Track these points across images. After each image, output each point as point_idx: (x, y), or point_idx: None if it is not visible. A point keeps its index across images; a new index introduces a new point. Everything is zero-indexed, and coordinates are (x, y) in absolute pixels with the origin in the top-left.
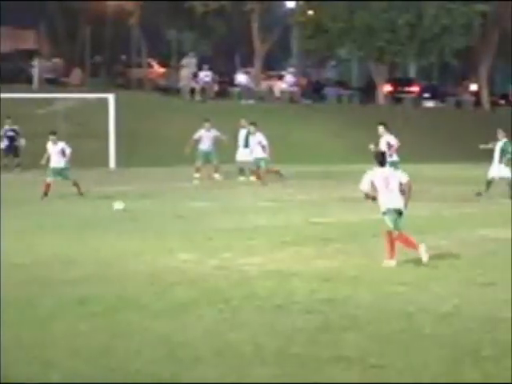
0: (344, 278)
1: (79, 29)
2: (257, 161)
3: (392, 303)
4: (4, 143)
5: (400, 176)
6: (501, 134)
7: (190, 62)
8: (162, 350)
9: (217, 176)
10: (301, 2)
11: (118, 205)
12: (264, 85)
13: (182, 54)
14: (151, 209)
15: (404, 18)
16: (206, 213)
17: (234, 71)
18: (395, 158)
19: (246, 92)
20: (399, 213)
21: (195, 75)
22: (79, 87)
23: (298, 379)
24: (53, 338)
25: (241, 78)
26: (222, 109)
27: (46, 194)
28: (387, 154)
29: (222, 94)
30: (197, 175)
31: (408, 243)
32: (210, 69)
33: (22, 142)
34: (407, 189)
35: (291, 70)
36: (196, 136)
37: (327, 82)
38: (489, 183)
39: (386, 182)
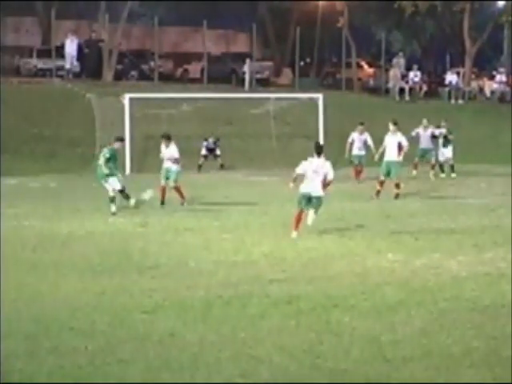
0: None
1: (289, 30)
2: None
3: None
4: (204, 152)
5: (328, 171)
6: None
7: (399, 62)
8: (370, 350)
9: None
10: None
11: (146, 194)
12: (474, 84)
13: (391, 54)
14: (358, 209)
15: None
16: (414, 212)
17: (443, 71)
18: (401, 159)
19: (456, 92)
20: (312, 198)
21: (404, 75)
22: (289, 88)
23: (509, 382)
24: (262, 335)
25: (451, 77)
26: (431, 109)
27: (161, 202)
28: (397, 154)
29: (432, 93)
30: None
31: (297, 221)
32: (419, 69)
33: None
34: (328, 183)
35: (502, 69)
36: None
37: None
38: None
39: (315, 172)
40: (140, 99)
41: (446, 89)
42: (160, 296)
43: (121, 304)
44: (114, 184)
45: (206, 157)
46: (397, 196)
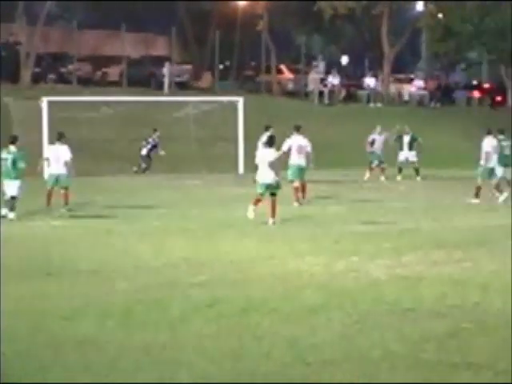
0: (473, 284)
1: (208, 34)
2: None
3: None
4: (144, 151)
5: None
6: None
7: (318, 66)
8: (290, 353)
9: (382, 178)
10: (430, 5)
11: None
12: (393, 88)
13: (310, 58)
14: (279, 212)
15: None
16: (335, 215)
17: (362, 75)
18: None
19: (375, 95)
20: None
21: (324, 79)
22: (209, 91)
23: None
24: (182, 339)
25: (369, 81)
26: (350, 112)
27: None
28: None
29: (351, 97)
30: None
31: (255, 202)
32: (339, 72)
33: (161, 152)
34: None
35: (420, 73)
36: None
37: (456, 86)
38: None
39: (262, 161)
40: (58, 102)
41: (365, 92)
42: (80, 301)
43: (40, 309)
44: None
45: (149, 157)
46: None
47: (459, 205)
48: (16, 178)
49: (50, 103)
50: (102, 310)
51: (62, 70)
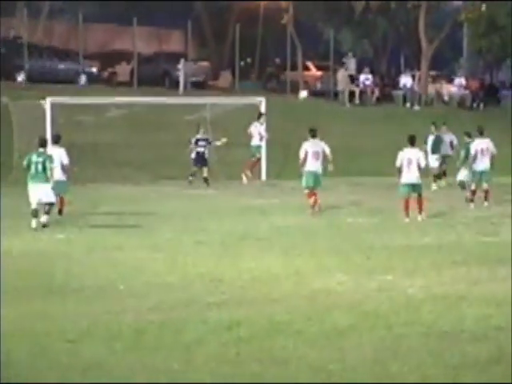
0: None
1: (228, 29)
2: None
3: None
4: (194, 154)
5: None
6: None
7: (348, 64)
8: (317, 380)
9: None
10: None
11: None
12: (431, 88)
13: (340, 55)
14: (304, 224)
15: None
16: (365, 228)
17: (397, 73)
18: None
19: (411, 96)
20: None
21: (354, 78)
22: (228, 91)
23: None
24: (198, 364)
25: (405, 80)
26: (384, 115)
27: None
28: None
29: (385, 98)
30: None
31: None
32: (371, 71)
33: (219, 142)
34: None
35: (461, 71)
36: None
37: (502, 85)
38: None
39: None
40: (62, 103)
41: (401, 93)
42: (86, 322)
43: (42, 330)
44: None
45: (204, 159)
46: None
47: (502, 216)
48: (47, 180)
49: (53, 104)
50: (109, 331)
51: (68, 67)
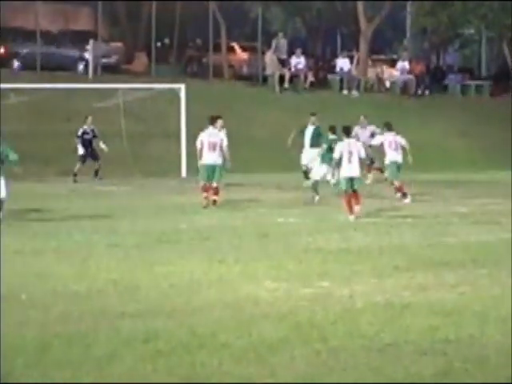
0: (469, 313)
1: (143, 6)
2: None
3: None
4: (81, 150)
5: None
6: None
7: (278, 45)
8: None
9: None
10: None
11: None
12: (371, 72)
13: (269, 36)
14: (229, 225)
15: None
16: (296, 230)
17: (333, 56)
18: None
19: (349, 81)
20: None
21: (285, 61)
22: (144, 76)
23: None
24: (110, 381)
25: (342, 63)
26: (319, 102)
27: None
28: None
29: (319, 83)
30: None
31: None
32: (304, 53)
33: (103, 146)
34: None
35: (405, 53)
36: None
37: (449, 69)
38: None
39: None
40: None
41: (337, 77)
42: None
43: None
44: None
45: (84, 158)
46: (214, 202)
47: (450, 215)
48: None
49: None
50: (10, 345)
51: None
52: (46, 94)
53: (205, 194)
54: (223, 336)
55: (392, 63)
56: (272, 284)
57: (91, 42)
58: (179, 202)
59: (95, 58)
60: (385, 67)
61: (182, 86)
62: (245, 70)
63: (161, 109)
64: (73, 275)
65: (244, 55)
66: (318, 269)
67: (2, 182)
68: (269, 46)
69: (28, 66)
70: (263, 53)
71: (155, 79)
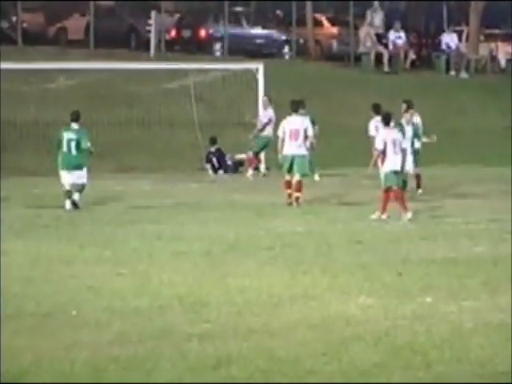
0: None
1: None
2: None
3: None
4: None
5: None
6: None
7: (374, 18)
8: None
9: None
10: None
11: None
12: (483, 50)
13: (362, 7)
14: (316, 229)
15: None
16: (394, 237)
17: (439, 31)
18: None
19: (457, 60)
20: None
21: (382, 36)
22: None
23: None
24: None
25: (449, 39)
26: (421, 84)
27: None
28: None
29: (422, 63)
30: None
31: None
32: (404, 27)
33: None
34: None
35: None
36: None
37: None
38: None
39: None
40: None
41: (443, 56)
42: (25, 359)
43: None
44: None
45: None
46: (297, 200)
47: None
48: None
49: None
50: (58, 371)
51: (3, 24)
52: (99, 74)
53: (288, 191)
54: (308, 361)
55: (508, 39)
56: (366, 300)
57: (153, 13)
58: (257, 202)
59: (159, 32)
60: (499, 44)
61: (260, 67)
62: (334, 47)
63: (236, 93)
64: (131, 289)
65: (333, 30)
66: (420, 282)
67: (84, 169)
68: (363, 19)
69: (81, 42)
70: (356, 27)
71: (228, 58)
